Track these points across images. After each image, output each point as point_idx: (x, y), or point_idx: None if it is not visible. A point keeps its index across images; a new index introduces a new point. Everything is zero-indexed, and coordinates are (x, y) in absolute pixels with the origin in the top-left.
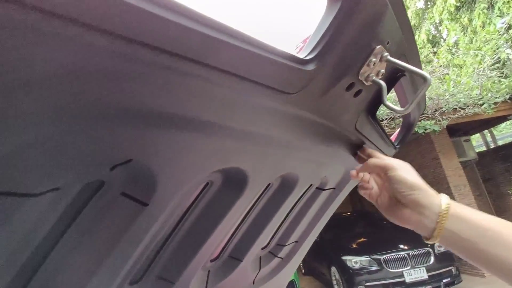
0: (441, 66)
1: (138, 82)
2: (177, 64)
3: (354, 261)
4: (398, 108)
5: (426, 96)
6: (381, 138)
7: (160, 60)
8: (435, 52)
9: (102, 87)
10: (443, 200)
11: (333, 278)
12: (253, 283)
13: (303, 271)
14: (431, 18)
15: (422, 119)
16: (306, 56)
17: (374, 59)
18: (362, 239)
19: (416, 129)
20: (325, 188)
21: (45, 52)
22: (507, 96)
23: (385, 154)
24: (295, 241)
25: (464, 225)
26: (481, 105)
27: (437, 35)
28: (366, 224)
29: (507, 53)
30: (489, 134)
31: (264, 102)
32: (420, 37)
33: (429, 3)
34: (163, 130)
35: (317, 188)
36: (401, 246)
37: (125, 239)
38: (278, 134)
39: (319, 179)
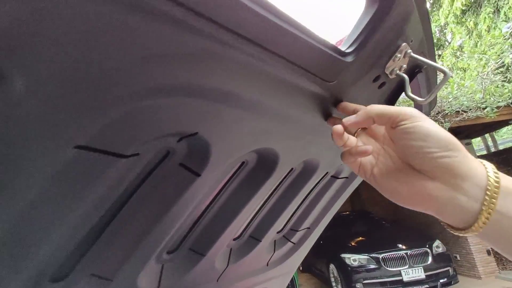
0: (446, 68)
1: (216, 63)
2: (244, 46)
3: (353, 259)
4: (419, 98)
5: None
6: None
7: (231, 42)
8: (439, 55)
9: (189, 67)
10: (490, 168)
11: (332, 275)
12: (267, 265)
13: (301, 268)
14: (436, 20)
15: None
16: (346, 49)
17: (399, 55)
18: (361, 238)
19: None
20: (340, 177)
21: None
22: (510, 101)
23: None
24: (307, 228)
25: None
26: (484, 108)
27: (442, 38)
28: (365, 224)
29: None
30: (490, 138)
31: (307, 87)
32: None
33: (435, 5)
34: (225, 107)
35: (332, 176)
36: (400, 245)
37: (175, 208)
38: (311, 118)
39: (335, 167)
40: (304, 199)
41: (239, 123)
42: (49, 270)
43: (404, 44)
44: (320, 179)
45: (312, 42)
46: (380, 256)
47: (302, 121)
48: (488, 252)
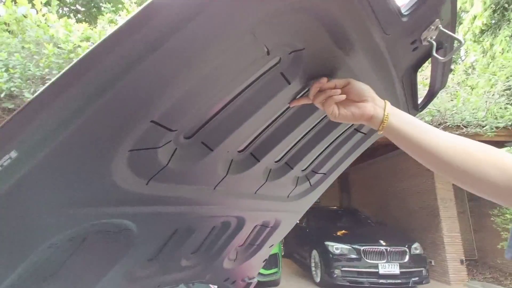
0: (456, 83)
1: None
2: None
3: (335, 247)
4: (441, 57)
5: (434, 108)
6: (412, 96)
7: None
8: (451, 70)
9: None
10: (388, 103)
11: (312, 260)
12: (288, 197)
13: (283, 253)
14: None
15: None
16: (405, 12)
17: (432, 27)
18: (346, 231)
19: None
20: (360, 131)
21: None
22: (510, 123)
23: (410, 113)
24: (324, 173)
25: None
26: (483, 126)
27: (457, 54)
28: (352, 219)
29: None
30: None
31: (373, 35)
32: None
33: (456, 21)
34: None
35: (355, 129)
36: (381, 241)
37: (267, 106)
38: (361, 60)
39: None
40: (330, 144)
41: (328, 53)
42: (186, 126)
43: (437, 20)
44: (346, 129)
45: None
46: (362, 248)
47: (356, 63)
48: (461, 262)
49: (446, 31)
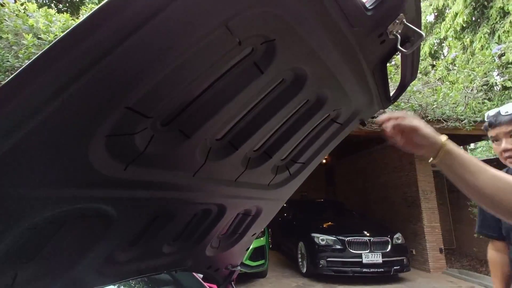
0: (437, 79)
1: None
2: None
3: (321, 239)
4: (404, 50)
5: (416, 103)
6: (384, 88)
7: None
8: (433, 65)
9: None
10: (444, 137)
11: (299, 252)
12: (268, 185)
13: (270, 246)
14: (437, 33)
15: None
16: (369, 6)
17: (397, 21)
18: (331, 222)
19: None
20: (337, 121)
21: None
22: None
23: (383, 105)
24: (303, 162)
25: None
26: (462, 120)
27: (439, 51)
28: (337, 212)
29: (496, 79)
30: None
31: (340, 28)
32: (423, 50)
33: (439, 18)
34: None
35: (331, 119)
36: (365, 232)
37: (241, 94)
38: (333, 56)
39: (336, 110)
40: (307, 134)
41: (298, 45)
42: (162, 114)
43: (402, 14)
44: (323, 120)
45: None
46: (346, 239)
47: (327, 55)
48: (440, 250)
49: (409, 24)
